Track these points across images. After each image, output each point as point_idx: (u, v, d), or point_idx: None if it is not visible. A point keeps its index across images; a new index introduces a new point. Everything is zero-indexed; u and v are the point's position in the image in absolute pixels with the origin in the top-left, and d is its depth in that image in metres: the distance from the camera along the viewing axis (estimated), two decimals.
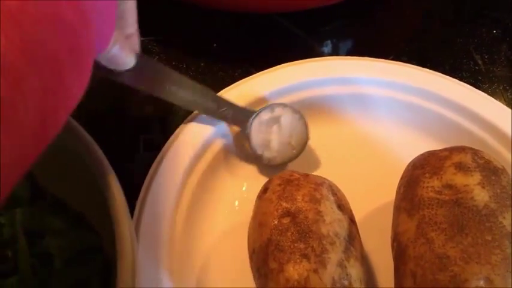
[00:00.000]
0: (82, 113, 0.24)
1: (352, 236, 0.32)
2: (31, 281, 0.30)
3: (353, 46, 0.50)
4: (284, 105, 0.39)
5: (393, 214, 0.34)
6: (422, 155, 0.34)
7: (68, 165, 0.29)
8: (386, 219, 0.34)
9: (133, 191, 0.35)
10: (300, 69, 0.42)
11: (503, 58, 0.48)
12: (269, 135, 0.39)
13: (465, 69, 0.47)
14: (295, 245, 0.30)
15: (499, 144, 0.38)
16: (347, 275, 0.29)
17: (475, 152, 0.32)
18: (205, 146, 0.39)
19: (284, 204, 0.32)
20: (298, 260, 0.29)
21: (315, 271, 0.29)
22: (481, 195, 0.30)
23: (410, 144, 0.41)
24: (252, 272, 0.32)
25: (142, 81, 0.37)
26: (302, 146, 0.39)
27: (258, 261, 0.31)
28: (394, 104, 0.42)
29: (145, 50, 0.47)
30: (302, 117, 0.39)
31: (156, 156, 0.37)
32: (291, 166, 0.40)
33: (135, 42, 0.35)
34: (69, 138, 0.27)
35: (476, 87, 0.41)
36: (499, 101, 0.40)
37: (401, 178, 0.34)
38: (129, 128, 0.44)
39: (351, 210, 0.34)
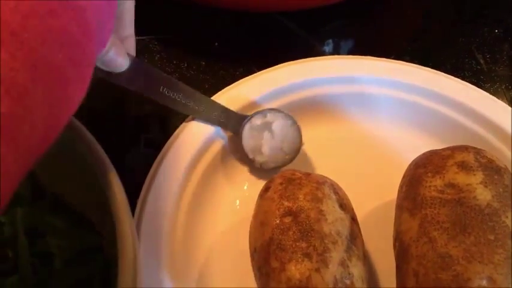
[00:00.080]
0: (83, 112, 0.24)
1: (354, 235, 0.32)
2: (31, 281, 0.30)
3: (354, 45, 0.50)
4: (276, 110, 0.39)
5: (395, 213, 0.33)
6: (424, 154, 0.34)
7: (69, 164, 0.29)
8: (388, 218, 0.34)
9: (134, 190, 0.34)
10: (302, 68, 0.42)
11: (505, 57, 0.48)
12: (260, 140, 0.39)
13: (467, 69, 0.47)
14: (297, 244, 0.30)
15: (502, 143, 0.38)
16: (349, 274, 0.29)
17: (477, 151, 0.32)
18: (206, 145, 0.39)
19: (286, 203, 0.32)
20: (300, 259, 0.29)
21: (317, 270, 0.29)
22: (483, 195, 0.29)
23: (412, 143, 0.41)
24: (253, 271, 0.32)
25: (137, 84, 0.37)
26: (295, 151, 0.39)
27: (260, 260, 0.31)
28: (396, 103, 0.42)
29: (146, 49, 0.48)
30: (295, 123, 0.39)
31: (156, 156, 0.37)
32: (293, 165, 0.40)
33: (131, 44, 0.36)
34: (70, 137, 0.27)
35: (478, 87, 0.41)
36: (501, 100, 0.40)
37: (404, 177, 0.34)
38: (129, 128, 0.44)
39: (352, 209, 0.34)
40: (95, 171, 0.27)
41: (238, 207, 0.39)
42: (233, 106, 0.40)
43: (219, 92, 0.41)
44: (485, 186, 0.30)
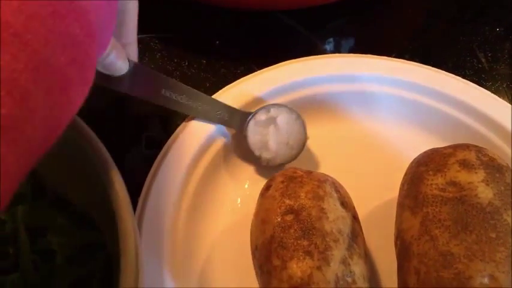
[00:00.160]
0: (83, 112, 0.24)
1: (356, 233, 0.32)
2: (32, 278, 0.30)
3: (355, 44, 0.50)
4: (280, 105, 0.39)
5: (396, 211, 0.33)
6: (426, 152, 0.34)
7: (71, 162, 0.29)
8: (390, 217, 0.34)
9: (135, 189, 0.34)
10: (303, 66, 0.42)
11: (506, 56, 0.48)
12: (266, 136, 0.39)
13: (468, 67, 0.47)
14: (299, 242, 0.29)
15: (503, 141, 0.38)
16: (350, 272, 0.29)
17: (479, 150, 0.32)
18: (207, 144, 0.39)
19: (287, 201, 0.32)
20: (301, 257, 0.29)
21: (319, 268, 0.29)
22: (485, 193, 0.29)
23: (414, 142, 0.41)
24: (255, 269, 0.32)
25: (138, 89, 0.37)
26: (301, 145, 0.39)
27: (261, 258, 0.31)
28: (398, 102, 0.42)
29: (147, 48, 0.48)
30: (299, 117, 0.39)
31: (157, 154, 0.37)
32: (294, 163, 0.40)
33: (134, 50, 0.36)
34: (72, 135, 0.27)
35: (479, 85, 0.41)
36: (503, 98, 0.40)
37: (405, 175, 0.34)
38: (130, 127, 0.44)
39: (354, 208, 0.34)
40: (97, 170, 0.27)
41: (239, 205, 0.39)
42: (234, 105, 0.40)
43: (220, 91, 0.41)
44: (487, 185, 0.30)
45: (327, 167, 0.40)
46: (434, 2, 0.54)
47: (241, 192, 0.39)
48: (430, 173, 0.32)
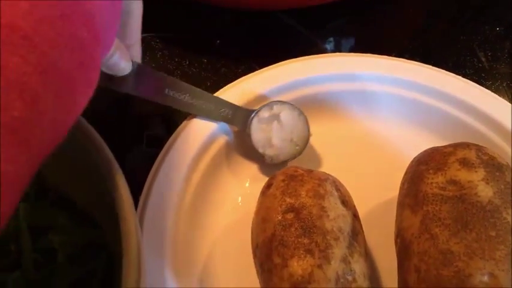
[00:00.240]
0: (85, 111, 0.24)
1: (356, 232, 0.32)
2: (34, 276, 0.30)
3: (356, 43, 0.50)
4: (282, 102, 0.39)
5: (397, 210, 0.34)
6: (426, 151, 0.34)
7: (73, 161, 0.29)
8: (390, 215, 0.34)
9: (136, 187, 0.35)
10: (303, 65, 0.42)
11: (506, 55, 0.48)
12: (269, 132, 0.39)
13: (469, 66, 0.47)
14: (299, 240, 0.30)
15: (503, 140, 0.38)
16: (351, 270, 0.29)
17: (479, 148, 0.32)
18: (209, 142, 0.39)
19: (288, 199, 0.32)
20: (302, 255, 0.29)
21: (319, 266, 0.29)
22: (485, 191, 0.30)
23: (414, 141, 0.41)
24: (256, 267, 0.32)
25: (141, 89, 0.37)
26: (304, 141, 0.39)
27: (262, 256, 0.31)
28: (398, 101, 0.42)
29: (148, 47, 0.48)
30: (302, 113, 0.39)
31: (159, 153, 0.37)
32: (294, 162, 0.40)
33: (137, 51, 0.36)
34: (75, 134, 0.27)
35: (479, 84, 0.41)
36: (503, 97, 0.40)
37: (405, 174, 0.34)
38: (131, 126, 0.44)
39: (354, 206, 0.34)
40: (100, 170, 0.27)
41: (240, 204, 0.39)
42: (235, 103, 0.40)
43: (221, 90, 0.41)
44: (487, 183, 0.30)
45: (327, 166, 0.40)
46: (435, 1, 0.54)
47: (242, 191, 0.39)
48: (431, 171, 0.32)
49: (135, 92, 0.37)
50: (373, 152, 0.41)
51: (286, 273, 0.29)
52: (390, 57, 0.43)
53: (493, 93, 0.41)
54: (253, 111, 0.39)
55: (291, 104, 0.39)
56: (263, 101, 0.40)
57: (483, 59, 0.48)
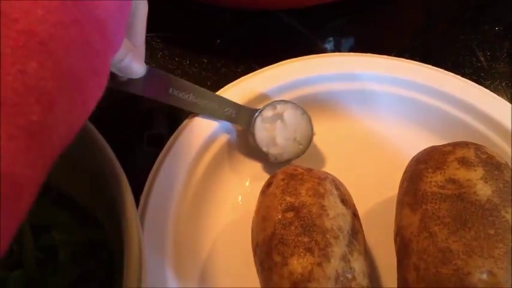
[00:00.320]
0: None
1: (356, 230, 0.32)
2: (36, 274, 0.30)
3: (355, 43, 0.50)
4: (285, 101, 0.40)
5: (396, 208, 0.34)
6: (425, 150, 0.34)
7: (75, 160, 0.29)
8: (389, 214, 0.34)
9: (137, 186, 0.35)
10: (303, 65, 0.42)
11: (505, 55, 0.48)
12: (273, 131, 0.39)
13: (468, 66, 0.47)
14: (299, 238, 0.30)
15: (502, 140, 0.38)
16: (350, 268, 0.30)
17: (478, 147, 0.32)
18: (209, 142, 0.39)
19: (288, 198, 0.32)
20: (302, 254, 0.29)
21: (319, 265, 0.29)
22: (483, 190, 0.30)
23: (413, 140, 0.41)
24: (256, 265, 0.33)
25: (147, 89, 0.38)
26: (308, 140, 0.40)
27: (262, 254, 0.31)
28: (398, 100, 0.42)
29: (148, 47, 0.47)
30: (305, 112, 0.40)
31: (160, 152, 0.38)
32: (294, 161, 0.40)
33: (141, 52, 0.36)
34: (78, 135, 0.28)
35: (478, 84, 0.42)
36: (502, 97, 0.41)
37: (405, 173, 0.35)
38: (132, 125, 0.44)
39: (354, 205, 0.34)
40: (101, 169, 0.27)
41: (240, 203, 0.39)
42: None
43: (221, 89, 0.41)
44: (486, 182, 0.30)
45: (327, 165, 0.40)
46: (434, 1, 0.54)
47: (242, 190, 0.39)
48: (430, 170, 0.32)
49: (140, 92, 0.38)
50: (373, 151, 0.41)
51: (286, 271, 0.29)
52: (390, 57, 0.43)
53: (492, 93, 0.41)
54: (256, 110, 0.39)
55: (294, 103, 0.39)
56: (263, 100, 0.40)
57: (482, 59, 0.48)
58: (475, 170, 0.31)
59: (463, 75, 0.42)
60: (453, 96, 0.40)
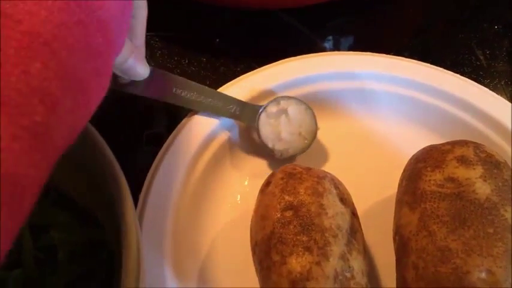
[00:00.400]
0: None
1: (354, 229, 0.32)
2: (35, 273, 0.30)
3: (355, 42, 0.50)
4: (288, 97, 0.40)
5: (395, 207, 0.34)
6: (424, 148, 0.34)
7: (74, 160, 0.29)
8: (388, 213, 0.34)
9: (136, 185, 0.35)
10: (302, 64, 0.42)
11: (504, 53, 0.48)
12: (278, 127, 0.39)
13: (467, 65, 0.47)
14: (298, 237, 0.30)
15: (501, 138, 0.38)
16: (349, 267, 0.30)
17: (477, 146, 0.32)
18: (208, 141, 0.39)
19: (287, 197, 0.32)
20: (300, 253, 0.29)
21: (318, 263, 0.29)
22: (482, 189, 0.30)
23: (413, 138, 0.41)
24: (254, 264, 0.33)
25: (151, 90, 0.38)
26: (312, 135, 0.40)
27: (261, 253, 0.31)
28: (397, 99, 0.42)
29: (147, 46, 0.47)
30: (308, 108, 0.40)
31: (158, 151, 0.38)
32: (294, 160, 0.40)
33: (141, 53, 0.36)
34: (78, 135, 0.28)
35: (477, 82, 0.42)
36: (501, 96, 0.41)
37: (404, 172, 0.35)
38: (131, 124, 0.44)
39: (353, 204, 0.34)
40: (100, 169, 0.27)
41: (239, 202, 0.39)
42: None
43: (220, 88, 0.41)
44: (485, 181, 0.30)
45: (326, 164, 0.40)
46: (434, 0, 0.54)
47: (241, 189, 0.39)
48: (429, 169, 0.32)
49: (142, 92, 0.38)
50: (372, 150, 0.41)
51: (284, 270, 0.29)
52: (389, 56, 0.43)
53: (491, 92, 0.41)
54: (260, 106, 0.39)
55: (297, 99, 0.40)
56: (263, 98, 0.40)
57: (481, 58, 0.48)
58: (474, 169, 0.31)
59: (462, 74, 0.42)
60: (452, 95, 0.40)
